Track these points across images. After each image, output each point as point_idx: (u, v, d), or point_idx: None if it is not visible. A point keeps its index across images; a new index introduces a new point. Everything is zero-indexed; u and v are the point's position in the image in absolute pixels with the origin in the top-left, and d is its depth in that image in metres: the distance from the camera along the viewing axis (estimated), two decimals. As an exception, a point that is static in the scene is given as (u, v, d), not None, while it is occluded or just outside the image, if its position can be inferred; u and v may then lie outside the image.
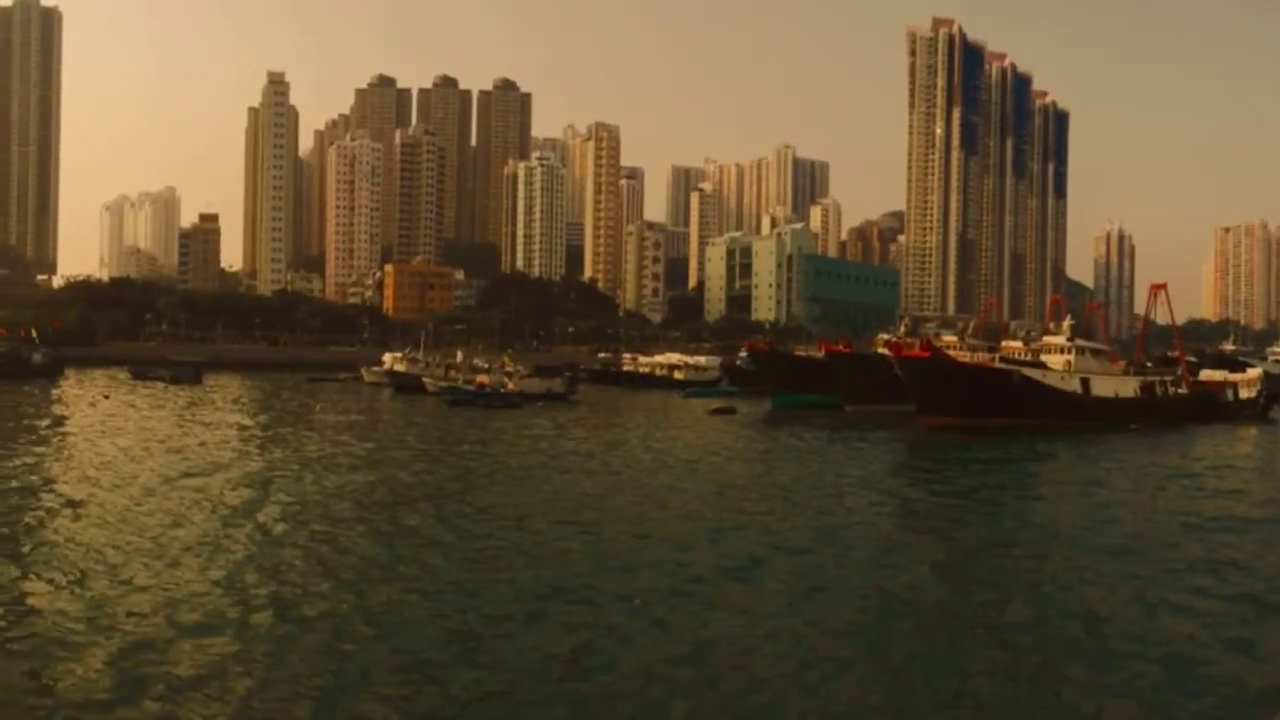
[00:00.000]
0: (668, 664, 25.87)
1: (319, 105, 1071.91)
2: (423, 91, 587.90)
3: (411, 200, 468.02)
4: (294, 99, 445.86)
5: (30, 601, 29.67)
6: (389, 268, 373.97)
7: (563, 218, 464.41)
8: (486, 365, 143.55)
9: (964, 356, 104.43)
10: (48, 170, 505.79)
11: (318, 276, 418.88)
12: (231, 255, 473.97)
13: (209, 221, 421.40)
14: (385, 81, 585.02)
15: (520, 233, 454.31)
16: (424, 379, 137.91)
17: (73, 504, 45.40)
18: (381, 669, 24.94)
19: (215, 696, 22.71)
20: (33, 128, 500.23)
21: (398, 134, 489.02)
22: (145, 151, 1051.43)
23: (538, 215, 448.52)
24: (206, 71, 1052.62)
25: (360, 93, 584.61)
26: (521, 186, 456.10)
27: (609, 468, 64.84)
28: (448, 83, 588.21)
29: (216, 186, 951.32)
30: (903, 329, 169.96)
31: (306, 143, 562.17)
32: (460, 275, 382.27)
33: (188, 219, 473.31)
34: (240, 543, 38.36)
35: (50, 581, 31.80)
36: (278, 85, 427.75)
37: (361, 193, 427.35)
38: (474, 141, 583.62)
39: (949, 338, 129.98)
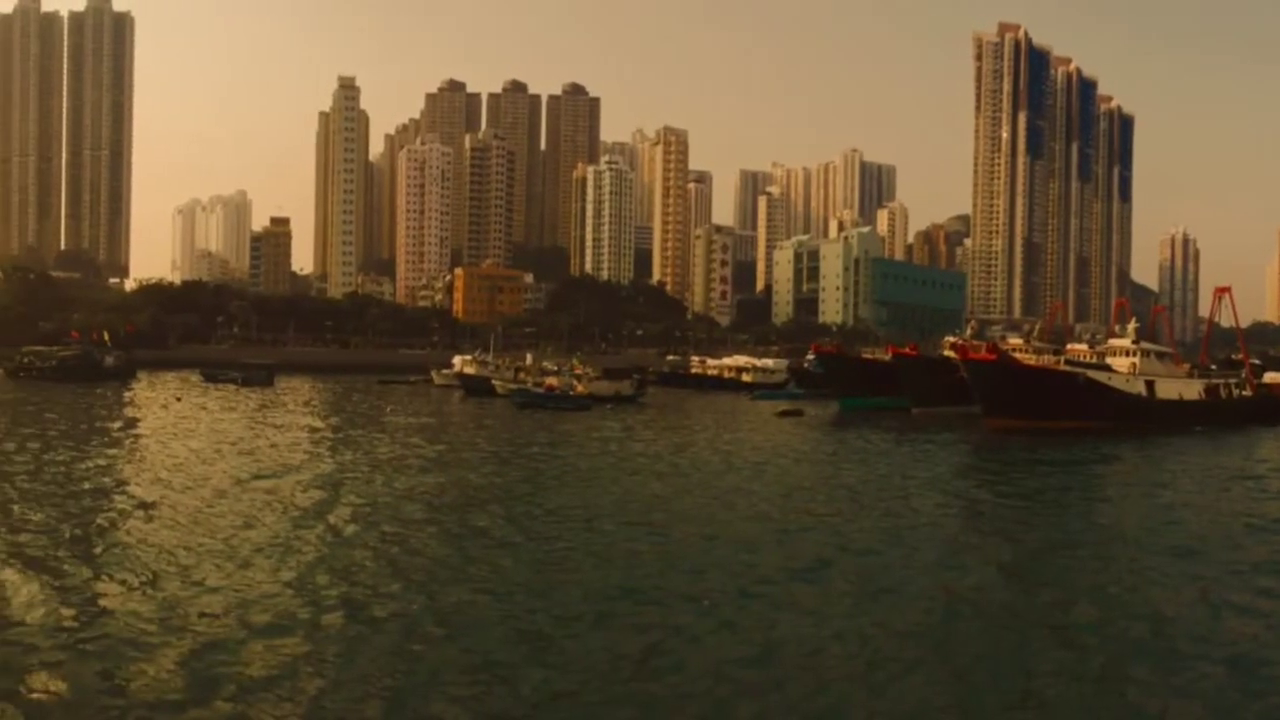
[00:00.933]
0: (736, 664, 25.80)
1: (389, 110, 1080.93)
2: (492, 96, 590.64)
3: (481, 204, 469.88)
4: (364, 103, 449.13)
5: (103, 602, 29.85)
6: (459, 271, 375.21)
7: (631, 221, 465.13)
8: (556, 368, 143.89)
9: (1029, 359, 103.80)
10: (120, 174, 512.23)
11: (388, 280, 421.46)
12: (302, 258, 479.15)
13: (280, 225, 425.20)
14: (455, 86, 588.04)
15: (589, 236, 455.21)
16: (494, 381, 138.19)
17: (145, 505, 45.74)
18: (452, 669, 24.93)
19: (286, 697, 22.76)
20: (105, 132, 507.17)
21: (467, 138, 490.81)
22: (217, 155, 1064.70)
23: (606, 219, 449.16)
24: (278, 75, 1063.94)
25: (430, 97, 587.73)
26: (590, 190, 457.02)
27: (677, 469, 64.64)
28: (517, 87, 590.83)
29: (287, 190, 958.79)
30: (969, 332, 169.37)
31: (377, 147, 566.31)
32: (529, 278, 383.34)
33: (259, 222, 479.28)
34: (311, 544, 38.50)
35: (123, 582, 32.00)
36: (348, 90, 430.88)
37: (432, 197, 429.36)
38: (543, 145, 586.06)
39: (1015, 340, 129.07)
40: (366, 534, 40.91)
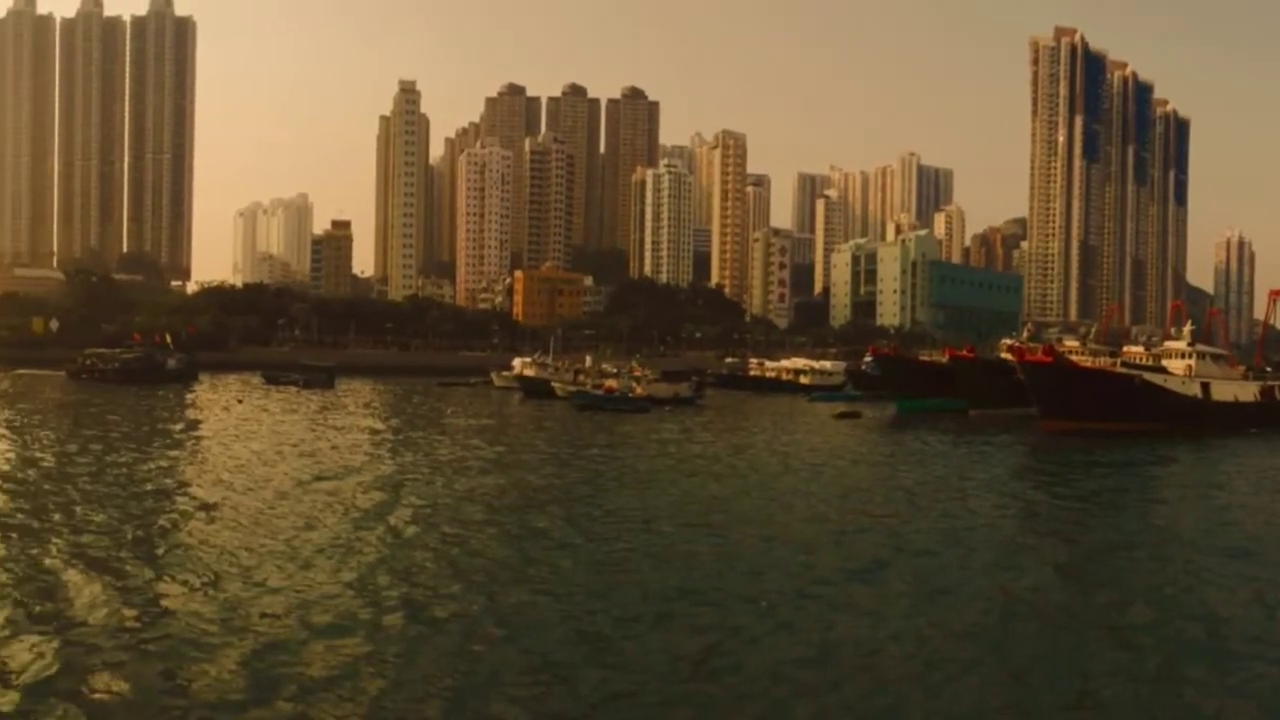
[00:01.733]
0: (793, 665, 25.75)
1: (449, 113, 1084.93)
2: (551, 100, 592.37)
3: (541, 207, 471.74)
4: (425, 107, 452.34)
5: (165, 603, 30.02)
6: (519, 274, 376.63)
7: (690, 224, 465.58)
8: (615, 370, 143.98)
9: (1086, 361, 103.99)
10: (181, 177, 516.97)
11: (448, 282, 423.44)
12: (363, 261, 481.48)
13: (341, 228, 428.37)
14: (515, 90, 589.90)
15: (648, 239, 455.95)
16: (553, 383, 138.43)
17: (206, 507, 46.03)
18: (511, 670, 24.91)
19: (347, 697, 22.81)
20: (167, 135, 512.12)
21: (527, 142, 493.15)
22: (278, 158, 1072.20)
23: (665, 222, 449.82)
24: (338, 79, 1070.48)
25: (490, 101, 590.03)
26: (649, 194, 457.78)
27: (735, 471, 64.57)
28: (576, 91, 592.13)
29: (348, 193, 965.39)
30: (1025, 334, 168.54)
31: (437, 150, 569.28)
32: (589, 281, 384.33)
33: (320, 225, 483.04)
34: (372, 545, 38.63)
35: (184, 583, 32.18)
36: (409, 93, 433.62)
37: (492, 200, 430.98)
38: (602, 149, 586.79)
39: (1071, 343, 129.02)
40: (427, 535, 41.01)
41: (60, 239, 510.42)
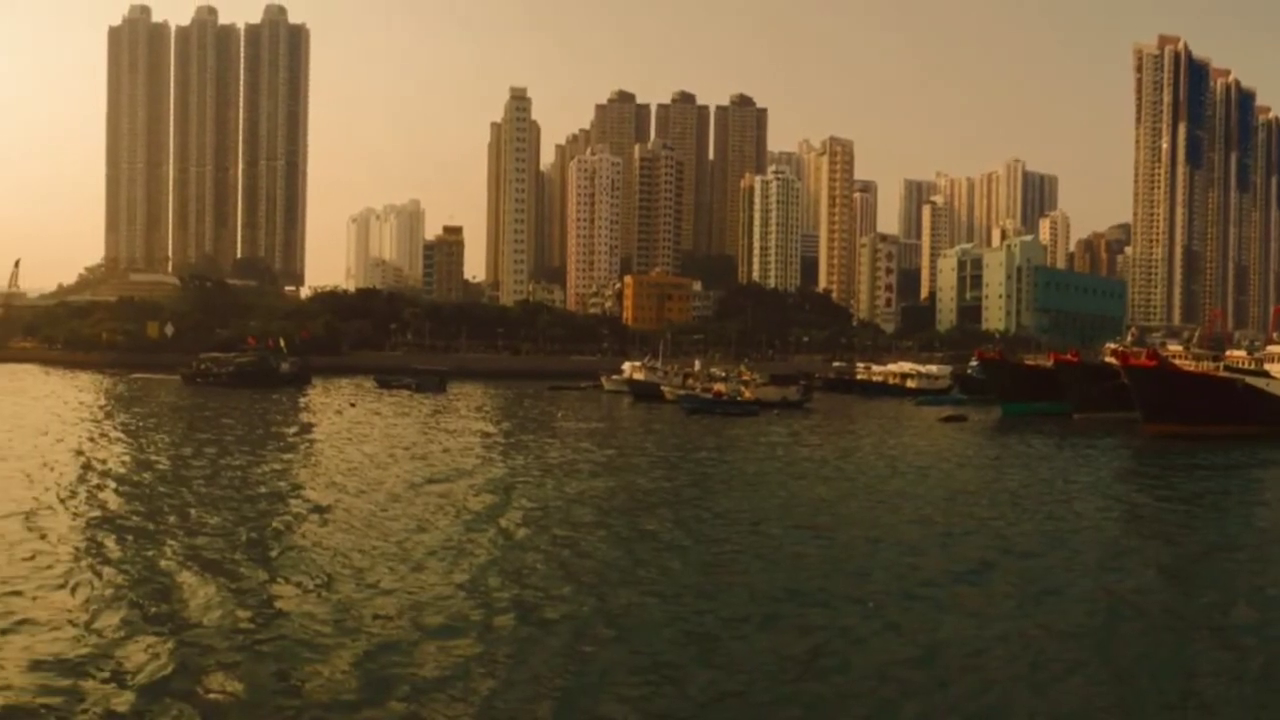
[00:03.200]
0: (900, 665, 25.87)
1: (560, 120, 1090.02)
2: (661, 107, 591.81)
3: (650, 213, 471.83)
4: (535, 114, 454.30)
5: (279, 604, 30.54)
6: (628, 279, 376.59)
7: (798, 230, 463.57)
8: (723, 374, 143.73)
9: (1189, 366, 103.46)
10: (295, 184, 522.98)
11: (559, 287, 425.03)
12: (474, 266, 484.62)
13: (452, 233, 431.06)
14: (624, 97, 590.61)
15: (756, 245, 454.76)
16: (662, 387, 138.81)
17: (320, 509, 46.70)
18: (621, 670, 25.10)
19: (459, 697, 23.08)
20: (280, 142, 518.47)
21: (636, 148, 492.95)
22: (390, 165, 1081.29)
23: (773, 228, 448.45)
24: (450, 86, 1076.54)
25: (600, 108, 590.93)
26: (758, 200, 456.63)
27: (842, 473, 64.68)
28: (685, 98, 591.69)
29: (459, 199, 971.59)
30: (1129, 338, 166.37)
31: (548, 157, 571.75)
32: (698, 286, 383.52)
33: (431, 231, 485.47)
34: (483, 547, 38.98)
35: (298, 585, 32.71)
36: (520, 101, 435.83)
37: (601, 206, 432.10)
38: (711, 155, 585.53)
39: (1174, 347, 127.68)
40: (537, 537, 41.33)
41: (175, 244, 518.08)
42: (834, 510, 49.58)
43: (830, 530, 43.69)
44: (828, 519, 46.63)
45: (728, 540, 41.08)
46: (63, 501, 48.66)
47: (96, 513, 46.25)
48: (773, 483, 59.27)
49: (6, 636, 26.88)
